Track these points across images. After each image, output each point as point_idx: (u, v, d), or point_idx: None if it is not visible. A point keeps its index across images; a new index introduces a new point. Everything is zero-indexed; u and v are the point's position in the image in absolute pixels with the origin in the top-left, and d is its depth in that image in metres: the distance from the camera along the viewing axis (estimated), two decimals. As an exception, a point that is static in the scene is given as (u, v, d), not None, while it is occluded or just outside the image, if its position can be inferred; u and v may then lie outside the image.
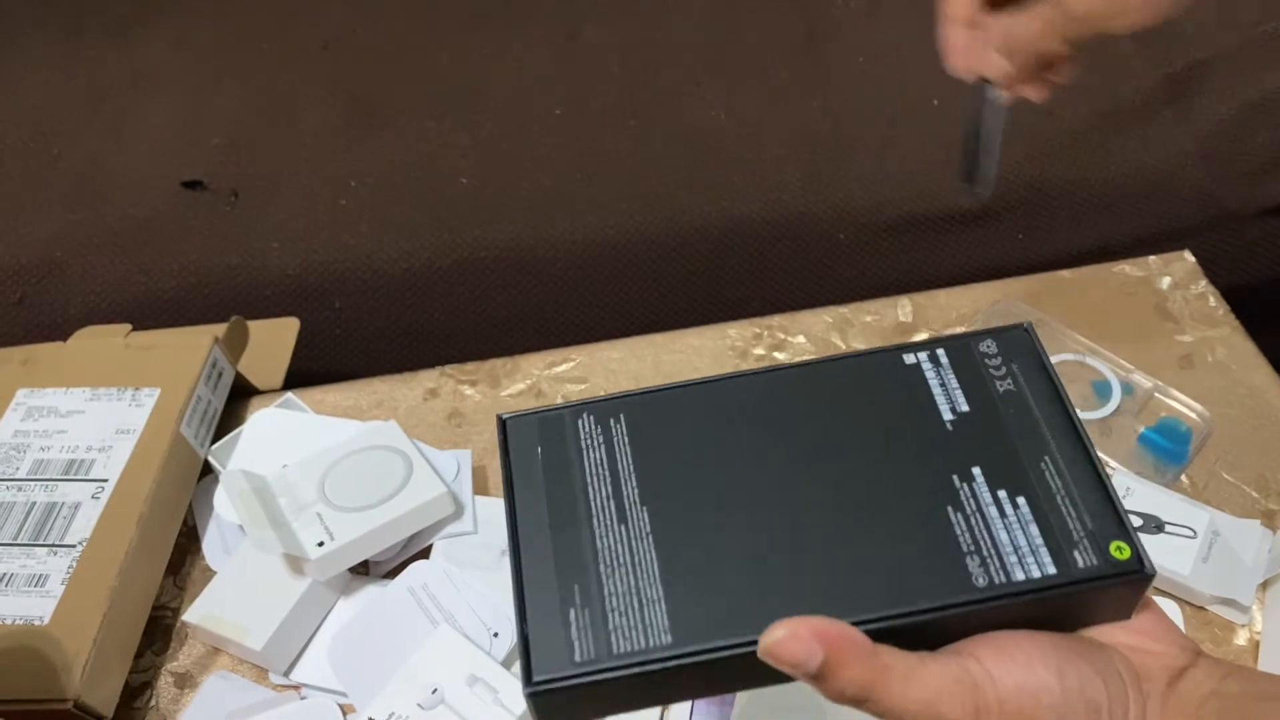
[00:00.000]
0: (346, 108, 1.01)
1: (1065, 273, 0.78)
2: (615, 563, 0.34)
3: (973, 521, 0.34)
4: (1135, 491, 0.62)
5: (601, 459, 0.36)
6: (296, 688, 0.59)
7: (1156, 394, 0.69)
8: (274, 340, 0.77)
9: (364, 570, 0.63)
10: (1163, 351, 0.73)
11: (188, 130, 1.00)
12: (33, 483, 0.63)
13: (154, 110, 1.02)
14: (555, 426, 0.38)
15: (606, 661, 0.32)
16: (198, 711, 0.59)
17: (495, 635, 0.58)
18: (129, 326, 0.72)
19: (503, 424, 0.38)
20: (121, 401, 0.66)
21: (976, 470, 0.35)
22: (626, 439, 0.37)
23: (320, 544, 0.59)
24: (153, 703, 0.60)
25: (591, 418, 0.37)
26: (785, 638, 0.31)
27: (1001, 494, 0.35)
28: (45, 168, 0.98)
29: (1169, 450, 0.66)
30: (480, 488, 0.67)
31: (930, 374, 0.38)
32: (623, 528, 0.35)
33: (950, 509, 0.35)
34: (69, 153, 0.99)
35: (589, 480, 0.36)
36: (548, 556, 0.34)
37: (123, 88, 1.04)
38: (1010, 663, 0.32)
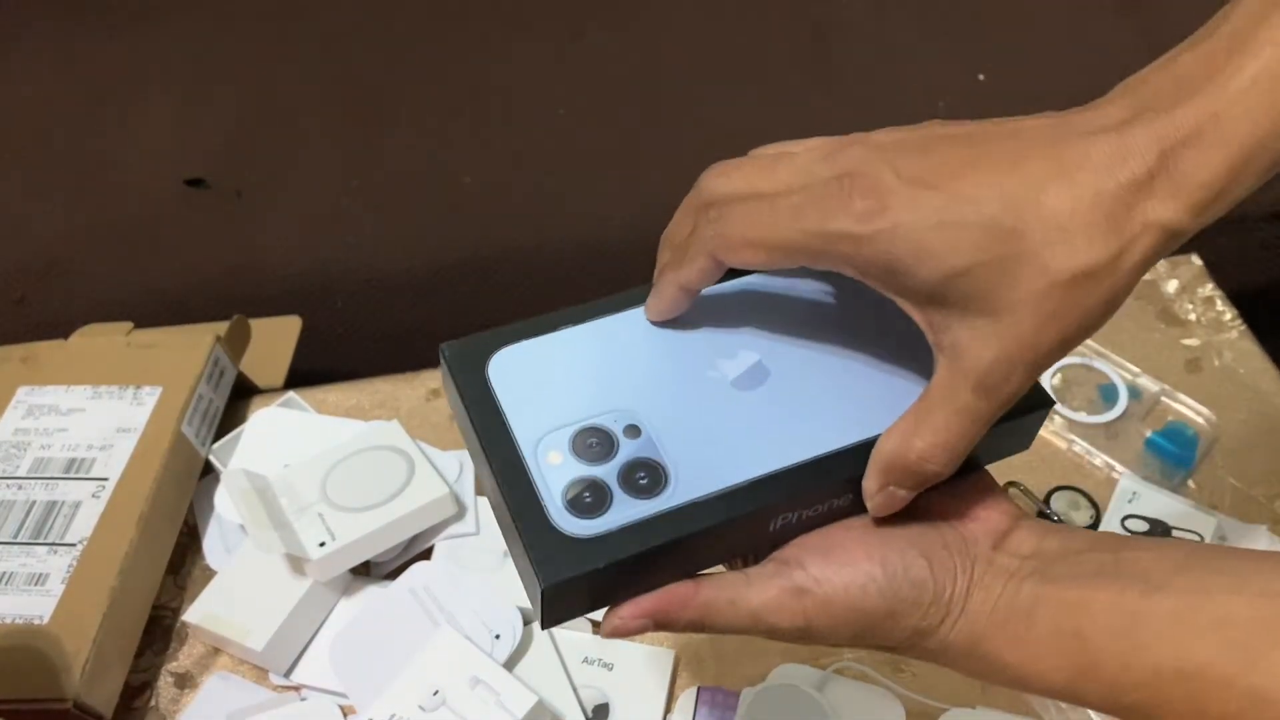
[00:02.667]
0: (349, 107, 1.01)
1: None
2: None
3: None
4: (1142, 496, 0.62)
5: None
6: (297, 688, 0.59)
7: (1163, 398, 0.69)
8: (276, 339, 0.76)
9: (365, 571, 0.63)
10: (1169, 355, 0.72)
11: (191, 129, 1.00)
12: (33, 481, 0.63)
13: (157, 109, 1.02)
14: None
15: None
16: (198, 712, 0.58)
17: (497, 637, 0.57)
18: (131, 324, 0.72)
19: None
20: (123, 400, 0.66)
21: None
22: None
23: (321, 544, 0.58)
24: (152, 703, 0.60)
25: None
26: (619, 625, 0.35)
27: None
28: (48, 166, 0.98)
29: (1176, 455, 0.65)
30: (482, 489, 0.67)
31: None
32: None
33: None
34: (72, 151, 0.99)
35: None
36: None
37: (126, 87, 1.04)
38: (833, 564, 0.35)
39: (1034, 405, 0.37)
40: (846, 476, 0.35)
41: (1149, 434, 0.67)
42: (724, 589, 0.35)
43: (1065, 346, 0.31)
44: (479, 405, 0.36)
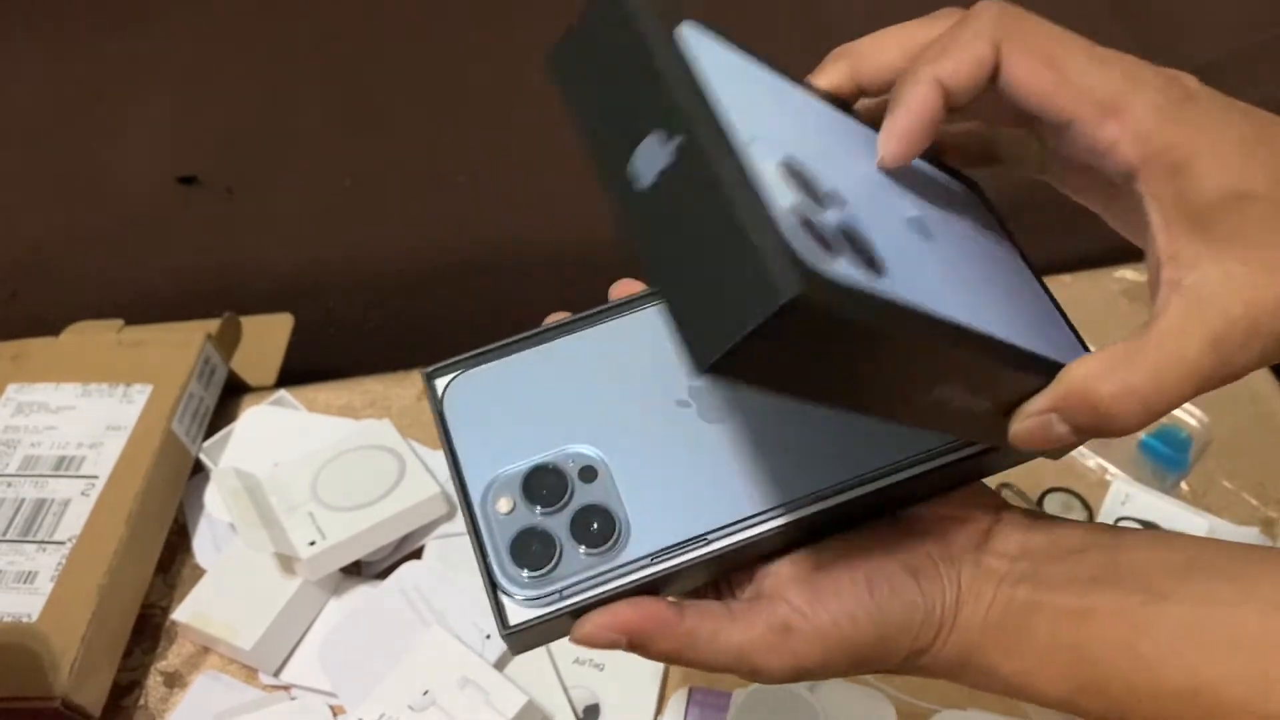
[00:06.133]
0: (342, 105, 1.01)
1: (1065, 277, 0.77)
2: None
3: None
4: (1135, 498, 0.62)
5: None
6: (286, 688, 0.59)
7: (1156, 400, 0.69)
8: (267, 337, 0.76)
9: (356, 570, 0.62)
10: (1162, 357, 0.72)
11: (183, 126, 1.00)
12: (22, 478, 0.63)
13: (149, 106, 1.01)
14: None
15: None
16: (187, 711, 0.58)
17: (488, 637, 0.57)
18: (121, 322, 0.72)
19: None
20: (113, 398, 0.66)
21: None
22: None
23: (311, 543, 0.58)
24: (141, 702, 0.59)
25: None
26: (591, 631, 0.32)
27: None
28: (39, 163, 0.97)
29: (1169, 457, 0.65)
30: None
31: None
32: None
33: None
34: (63, 147, 0.98)
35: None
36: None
37: (118, 83, 1.04)
38: (819, 594, 0.32)
39: None
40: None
41: (1142, 436, 0.67)
42: (706, 619, 0.32)
43: None
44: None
